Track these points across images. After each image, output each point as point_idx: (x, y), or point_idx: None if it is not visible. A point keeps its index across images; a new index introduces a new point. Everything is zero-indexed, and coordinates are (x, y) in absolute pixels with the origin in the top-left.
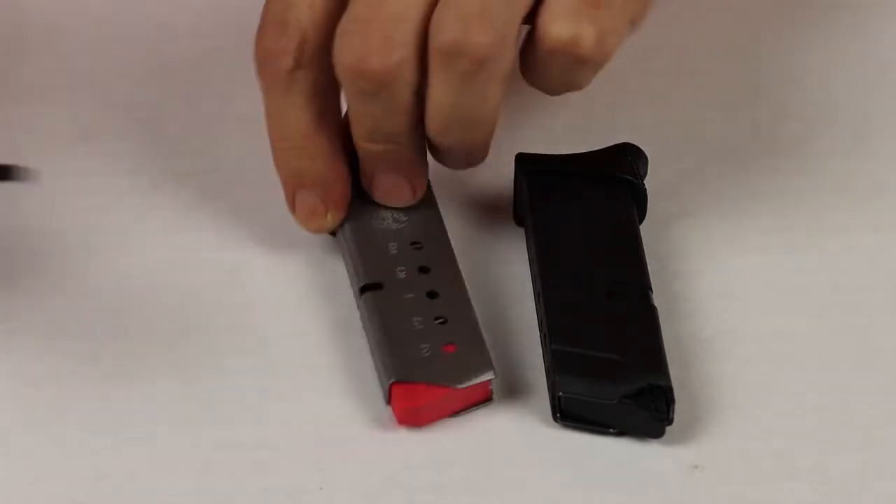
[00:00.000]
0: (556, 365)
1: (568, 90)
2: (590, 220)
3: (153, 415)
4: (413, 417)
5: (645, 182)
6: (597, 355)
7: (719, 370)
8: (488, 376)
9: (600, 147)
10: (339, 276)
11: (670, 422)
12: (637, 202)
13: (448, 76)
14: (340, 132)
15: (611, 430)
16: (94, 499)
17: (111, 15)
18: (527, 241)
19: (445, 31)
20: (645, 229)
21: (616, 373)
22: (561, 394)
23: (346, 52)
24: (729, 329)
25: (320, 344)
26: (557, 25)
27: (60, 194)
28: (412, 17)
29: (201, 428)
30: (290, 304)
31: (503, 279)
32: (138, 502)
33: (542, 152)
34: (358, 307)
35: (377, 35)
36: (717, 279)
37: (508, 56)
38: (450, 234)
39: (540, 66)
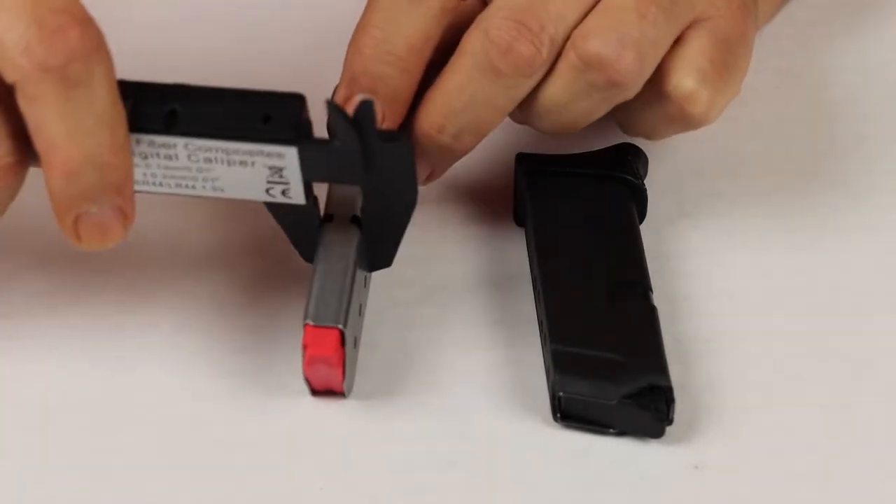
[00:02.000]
0: (556, 365)
1: (649, 137)
2: (590, 220)
3: (153, 414)
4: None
5: (645, 182)
6: (597, 355)
7: (719, 370)
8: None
9: (600, 147)
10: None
11: (670, 422)
12: (637, 202)
13: (574, 79)
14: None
15: (611, 430)
16: (94, 499)
17: (111, 15)
18: (527, 241)
19: (598, 44)
20: (645, 229)
21: (616, 373)
22: (561, 394)
23: (500, 30)
24: (729, 329)
25: None
26: (681, 76)
27: None
28: (570, 21)
29: (201, 428)
30: (288, 301)
31: (503, 279)
32: (138, 502)
33: (542, 152)
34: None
35: (535, 24)
36: (718, 279)
37: (636, 90)
38: (450, 234)
39: (644, 104)
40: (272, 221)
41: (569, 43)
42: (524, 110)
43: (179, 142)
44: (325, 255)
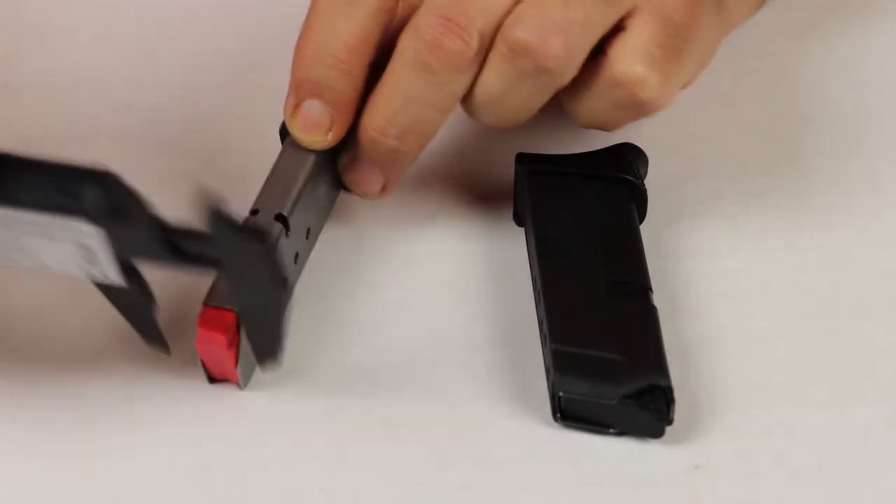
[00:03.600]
0: (556, 365)
1: (603, 127)
2: (590, 220)
3: (153, 415)
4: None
5: (645, 182)
6: (597, 355)
7: (719, 370)
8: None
9: (600, 147)
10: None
11: (670, 422)
12: (637, 202)
13: (506, 69)
14: (371, 64)
15: (611, 430)
16: (94, 499)
17: (111, 15)
18: (527, 241)
19: (524, 31)
20: (645, 229)
21: (616, 373)
22: (561, 394)
23: (429, 27)
24: (729, 329)
25: (318, 344)
26: (630, 61)
27: None
28: (498, 13)
29: (201, 428)
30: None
31: (503, 279)
32: (138, 502)
33: (542, 152)
34: None
35: (463, 19)
36: (718, 279)
37: (568, 75)
38: (450, 234)
39: (593, 93)
40: None
41: (498, 34)
42: (466, 106)
43: None
44: None
